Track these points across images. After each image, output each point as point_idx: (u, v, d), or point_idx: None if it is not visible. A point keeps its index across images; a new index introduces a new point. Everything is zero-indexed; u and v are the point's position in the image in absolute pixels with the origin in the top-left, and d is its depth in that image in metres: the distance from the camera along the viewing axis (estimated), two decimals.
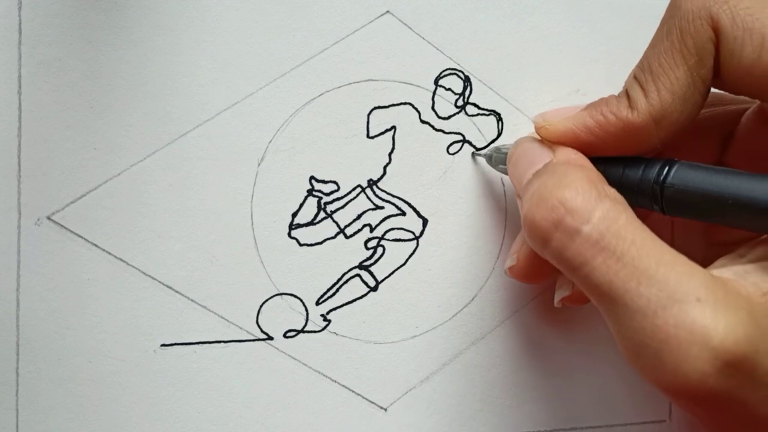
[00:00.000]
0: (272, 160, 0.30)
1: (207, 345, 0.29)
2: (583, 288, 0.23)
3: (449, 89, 0.31)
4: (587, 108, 0.26)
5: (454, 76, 0.31)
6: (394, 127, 0.31)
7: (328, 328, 0.31)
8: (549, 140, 0.26)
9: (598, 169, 0.25)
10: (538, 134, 0.27)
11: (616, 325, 0.22)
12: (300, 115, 0.30)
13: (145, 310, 0.29)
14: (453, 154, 0.31)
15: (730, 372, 0.20)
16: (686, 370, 0.20)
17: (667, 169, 0.24)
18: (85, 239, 0.28)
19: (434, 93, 0.31)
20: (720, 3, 0.23)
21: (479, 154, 0.31)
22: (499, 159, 0.30)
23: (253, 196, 0.30)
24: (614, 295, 0.22)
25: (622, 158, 0.26)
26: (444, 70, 0.31)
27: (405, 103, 0.31)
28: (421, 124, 0.31)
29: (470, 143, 0.32)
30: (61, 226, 0.28)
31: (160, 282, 0.29)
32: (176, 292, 0.29)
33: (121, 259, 0.29)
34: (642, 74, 0.25)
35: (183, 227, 0.29)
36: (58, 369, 0.28)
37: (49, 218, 0.28)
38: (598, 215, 0.22)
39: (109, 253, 0.29)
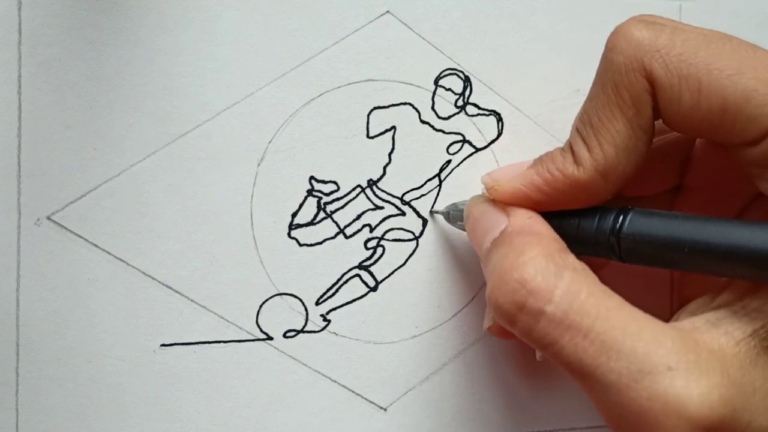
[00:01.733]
0: (272, 160, 0.30)
1: (207, 345, 0.29)
2: (556, 364, 0.23)
3: (449, 89, 0.31)
4: (534, 165, 0.26)
5: (454, 76, 0.31)
6: (394, 127, 0.31)
7: (327, 328, 0.31)
8: (501, 201, 0.26)
9: (553, 225, 0.25)
10: (489, 195, 0.27)
11: (593, 399, 0.22)
12: (300, 115, 0.30)
13: (144, 310, 0.29)
14: (453, 154, 0.31)
15: None
16: None
17: (621, 218, 0.24)
18: (85, 239, 0.28)
19: (434, 93, 0.31)
20: (651, 53, 0.23)
21: (436, 212, 0.31)
22: (456, 216, 0.30)
23: (252, 196, 0.30)
24: (586, 372, 0.21)
25: (576, 210, 0.26)
26: (444, 70, 0.31)
27: (405, 103, 0.31)
28: (421, 124, 0.31)
29: (470, 143, 0.32)
30: (61, 226, 0.28)
31: (159, 282, 0.29)
32: (176, 292, 0.29)
33: (121, 259, 0.29)
34: (584, 128, 0.24)
35: (183, 227, 0.29)
36: (58, 369, 0.28)
37: (48, 218, 0.28)
38: (559, 293, 0.22)
39: (109, 253, 0.29)
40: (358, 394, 0.31)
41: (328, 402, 0.30)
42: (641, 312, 0.22)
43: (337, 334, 0.31)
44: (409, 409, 0.31)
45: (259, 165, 0.30)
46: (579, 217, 0.25)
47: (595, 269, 0.24)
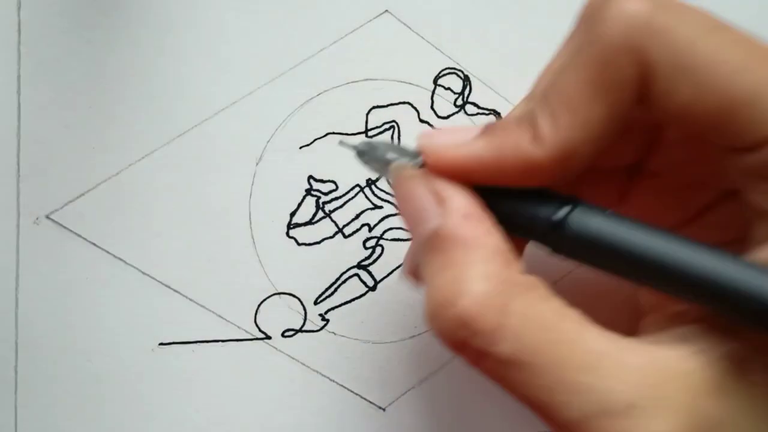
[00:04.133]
0: (271, 160, 0.30)
1: (205, 344, 0.29)
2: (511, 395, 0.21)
3: (448, 88, 0.31)
4: (483, 134, 0.21)
5: (454, 76, 0.31)
6: (393, 127, 0.31)
7: (326, 327, 0.31)
8: (437, 172, 0.22)
9: (488, 202, 0.22)
10: (426, 161, 0.22)
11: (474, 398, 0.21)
12: (298, 114, 0.30)
13: (143, 309, 0.29)
14: None
15: None
16: None
17: (565, 210, 0.21)
18: (83, 238, 0.28)
19: (433, 92, 0.31)
20: (651, 34, 0.19)
21: (345, 144, 0.25)
22: (372, 158, 0.24)
23: (251, 195, 0.30)
24: (542, 409, 0.20)
25: (511, 190, 0.22)
26: (443, 70, 0.31)
27: (404, 103, 0.31)
28: (420, 123, 0.31)
29: None
30: (60, 225, 0.28)
31: (158, 281, 0.29)
32: (174, 291, 0.29)
33: (120, 258, 0.29)
34: (553, 102, 0.20)
35: (181, 226, 0.29)
36: (57, 367, 0.28)
37: (47, 217, 0.28)
38: (507, 334, 0.19)
39: (108, 252, 0.29)
40: (356, 394, 0.31)
41: (327, 401, 0.30)
42: (600, 333, 0.20)
43: (335, 334, 0.31)
44: (407, 409, 0.31)
45: (257, 164, 0.30)
46: (518, 198, 0.22)
47: None
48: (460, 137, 0.22)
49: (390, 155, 0.24)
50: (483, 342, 0.20)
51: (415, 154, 0.23)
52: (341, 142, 0.25)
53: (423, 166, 0.22)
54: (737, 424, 0.19)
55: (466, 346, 0.20)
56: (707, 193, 0.24)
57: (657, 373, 0.19)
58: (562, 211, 0.21)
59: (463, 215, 0.21)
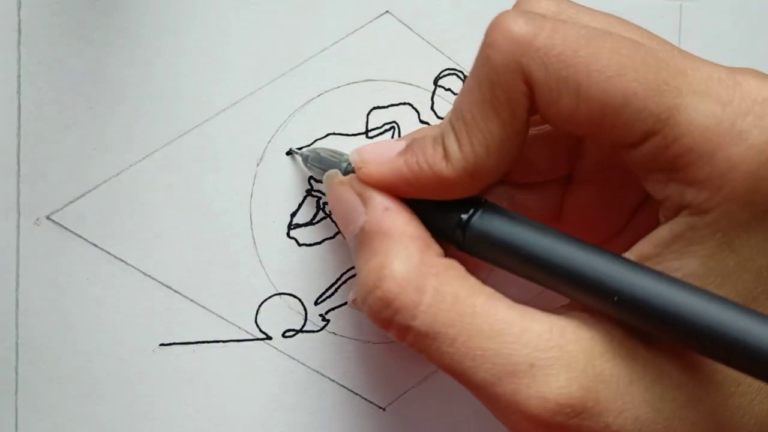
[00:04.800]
0: (271, 160, 0.30)
1: (206, 344, 0.29)
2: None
3: (449, 89, 0.31)
4: (405, 152, 0.24)
5: (454, 76, 0.31)
6: (393, 128, 0.31)
7: (326, 327, 0.31)
8: (365, 183, 0.25)
9: (412, 208, 0.25)
10: (356, 174, 0.25)
11: (473, 395, 0.23)
12: (299, 115, 0.30)
13: (144, 310, 0.29)
14: None
15: (573, 429, 0.21)
16: None
17: (471, 211, 0.24)
18: (84, 239, 0.28)
19: (433, 93, 0.31)
20: (530, 53, 0.22)
21: (295, 152, 0.30)
22: (314, 163, 0.29)
23: (251, 196, 0.30)
24: (457, 374, 0.22)
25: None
26: (443, 70, 0.31)
27: (404, 104, 0.31)
28: (420, 124, 0.31)
29: None
30: (61, 225, 0.28)
31: (159, 282, 0.29)
32: (175, 291, 0.29)
33: (120, 259, 0.29)
34: (456, 123, 0.23)
35: (182, 227, 0.29)
36: (58, 368, 0.28)
37: (48, 218, 0.28)
38: (423, 308, 0.22)
39: (108, 253, 0.29)
40: (356, 394, 0.31)
41: (327, 401, 0.30)
42: (509, 305, 0.22)
43: (336, 334, 0.31)
44: (408, 409, 0.31)
45: (258, 165, 0.30)
46: (434, 204, 0.24)
47: None
48: (386, 150, 0.25)
49: (328, 161, 0.28)
50: (404, 318, 0.22)
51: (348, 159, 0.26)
52: (290, 151, 0.30)
53: (352, 171, 0.26)
54: (629, 385, 0.21)
55: (392, 322, 0.23)
56: (631, 195, 0.26)
57: (557, 337, 0.22)
58: (470, 211, 0.24)
59: (383, 209, 0.24)
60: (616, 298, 0.21)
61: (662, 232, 0.22)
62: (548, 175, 0.28)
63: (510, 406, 0.21)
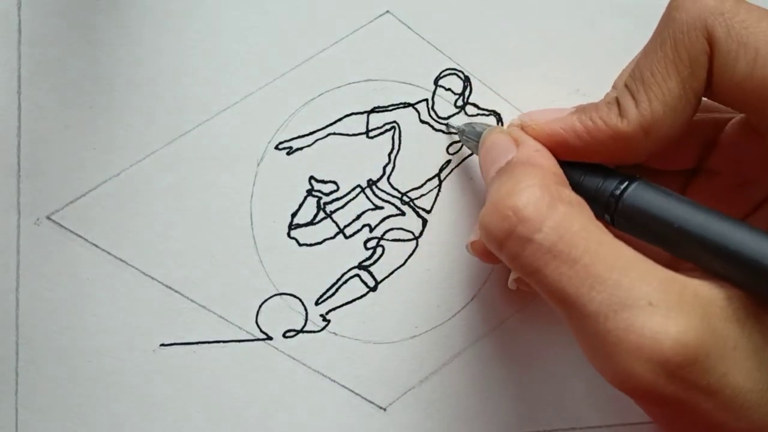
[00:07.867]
0: (272, 160, 0.30)
1: (206, 345, 0.29)
2: (540, 292, 0.23)
3: (449, 89, 0.31)
4: (576, 112, 0.25)
5: (454, 76, 0.31)
6: (393, 128, 0.31)
7: (327, 328, 0.31)
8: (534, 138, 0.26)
9: (565, 173, 0.25)
10: (525, 133, 0.26)
11: (572, 328, 0.22)
12: (299, 115, 0.30)
13: (144, 310, 0.29)
14: (453, 154, 0.31)
15: (679, 377, 0.20)
16: (637, 373, 0.21)
17: (626, 184, 0.24)
18: (84, 239, 0.28)
19: (434, 93, 0.31)
20: (716, 15, 0.23)
21: (452, 127, 0.31)
22: (470, 135, 0.30)
23: (252, 195, 0.30)
24: (567, 301, 0.22)
25: (586, 165, 0.26)
26: (444, 70, 0.31)
27: (404, 104, 0.31)
28: (420, 124, 0.31)
29: None
30: (61, 225, 0.28)
31: (159, 282, 0.29)
32: (175, 291, 0.29)
33: (121, 259, 0.29)
34: (633, 83, 0.24)
35: (182, 227, 0.29)
36: (58, 368, 0.28)
37: (48, 218, 0.28)
38: (550, 224, 0.22)
39: (109, 253, 0.29)
40: (357, 394, 0.31)
41: (328, 402, 0.30)
42: (634, 251, 0.22)
43: (336, 334, 0.31)
44: (408, 409, 0.31)
45: (258, 165, 0.30)
46: (586, 172, 0.25)
47: None
48: (553, 113, 0.26)
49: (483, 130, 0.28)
50: (527, 229, 0.22)
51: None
52: (448, 126, 0.31)
53: None
54: (749, 351, 0.21)
55: (513, 233, 0.22)
56: (760, 191, 0.27)
57: (679, 285, 0.21)
58: (625, 183, 0.24)
59: (534, 149, 0.25)
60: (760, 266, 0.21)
61: None
62: (677, 165, 0.29)
63: (620, 344, 0.21)
